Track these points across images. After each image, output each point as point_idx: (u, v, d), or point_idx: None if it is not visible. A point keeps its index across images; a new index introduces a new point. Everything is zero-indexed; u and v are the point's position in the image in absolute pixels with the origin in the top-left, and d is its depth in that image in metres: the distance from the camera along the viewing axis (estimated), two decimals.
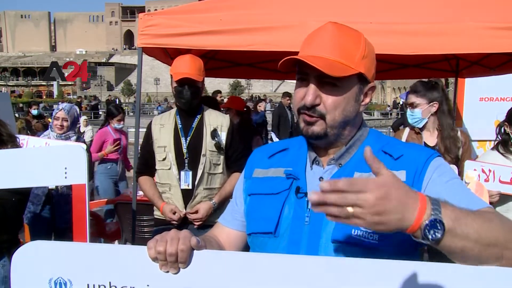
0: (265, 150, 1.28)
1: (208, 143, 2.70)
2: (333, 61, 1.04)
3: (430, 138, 2.91)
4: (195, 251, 0.98)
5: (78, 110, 4.08)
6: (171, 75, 2.74)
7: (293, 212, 1.10)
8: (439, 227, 0.82)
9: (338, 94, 1.06)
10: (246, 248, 1.26)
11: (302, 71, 1.09)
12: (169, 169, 2.72)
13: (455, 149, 2.83)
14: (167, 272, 0.97)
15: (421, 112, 2.85)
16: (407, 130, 3.05)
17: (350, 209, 0.81)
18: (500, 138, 2.82)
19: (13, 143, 2.22)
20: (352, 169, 1.10)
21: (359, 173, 1.08)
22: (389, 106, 37.84)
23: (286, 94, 9.38)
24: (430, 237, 0.82)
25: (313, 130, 1.09)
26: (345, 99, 1.07)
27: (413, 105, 2.87)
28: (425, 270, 0.88)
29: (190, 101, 2.69)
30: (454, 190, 1.04)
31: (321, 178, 1.12)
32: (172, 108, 3.05)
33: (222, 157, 2.75)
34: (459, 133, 2.90)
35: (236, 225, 1.26)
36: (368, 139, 1.16)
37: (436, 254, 0.92)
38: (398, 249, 1.01)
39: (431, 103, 2.83)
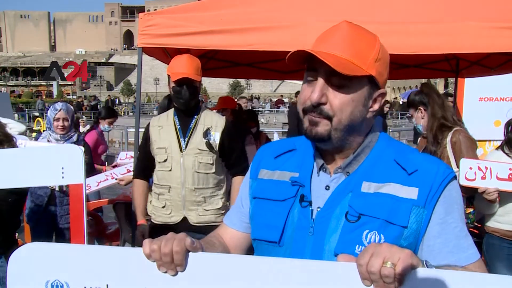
0: (271, 148, 1.23)
1: (199, 142, 2.69)
2: (344, 60, 1.00)
3: None
4: (191, 254, 0.96)
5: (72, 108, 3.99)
6: (168, 75, 2.73)
7: (297, 221, 1.08)
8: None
9: (346, 95, 1.02)
10: (251, 249, 1.25)
11: (311, 67, 1.04)
12: (170, 170, 2.71)
13: (433, 149, 2.86)
14: (165, 272, 0.96)
15: (414, 121, 3.06)
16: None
17: (387, 264, 0.81)
18: (505, 138, 2.79)
19: (10, 143, 2.22)
20: (360, 178, 1.06)
21: (368, 182, 1.05)
22: (389, 103, 37.79)
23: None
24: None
25: (316, 131, 1.04)
26: (353, 101, 1.03)
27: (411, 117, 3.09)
28: (424, 276, 0.86)
29: (189, 101, 2.69)
30: (450, 237, 1.03)
31: (327, 187, 1.08)
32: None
33: (215, 156, 2.73)
34: (450, 133, 2.84)
35: (241, 227, 1.24)
36: (378, 146, 1.10)
37: None
38: None
39: (417, 110, 3.00)
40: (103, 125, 5.23)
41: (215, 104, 5.61)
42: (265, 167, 1.20)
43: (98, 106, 29.46)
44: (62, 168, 1.83)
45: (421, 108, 2.96)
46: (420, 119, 2.98)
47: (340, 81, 1.01)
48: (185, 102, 2.68)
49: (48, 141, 3.56)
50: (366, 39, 1.04)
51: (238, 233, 1.25)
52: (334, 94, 1.02)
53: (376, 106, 1.08)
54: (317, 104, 1.02)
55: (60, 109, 3.58)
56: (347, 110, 1.02)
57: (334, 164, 1.11)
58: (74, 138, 3.65)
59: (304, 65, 1.08)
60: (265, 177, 1.18)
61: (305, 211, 1.07)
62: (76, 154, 1.85)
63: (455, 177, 1.08)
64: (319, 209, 1.06)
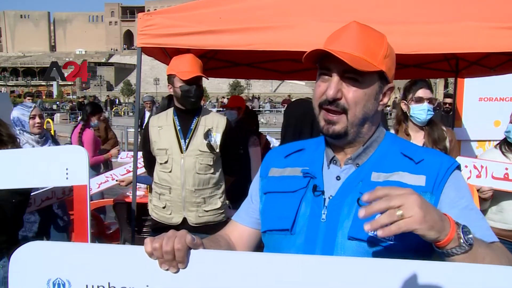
0: (281, 150, 1.29)
1: (200, 144, 2.70)
2: (357, 57, 1.06)
3: (417, 139, 2.77)
4: (192, 251, 0.98)
5: None
6: (171, 75, 2.73)
7: (310, 209, 1.11)
8: (468, 232, 0.91)
9: (360, 89, 1.08)
10: (258, 247, 1.26)
11: (324, 66, 1.10)
12: (170, 171, 2.71)
13: (443, 141, 2.77)
14: (167, 270, 0.97)
15: (432, 107, 2.79)
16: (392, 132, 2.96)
17: (398, 212, 0.85)
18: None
19: (13, 143, 2.21)
20: (370, 169, 1.11)
21: (377, 173, 1.10)
22: (388, 106, 37.91)
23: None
24: (468, 240, 0.90)
25: (334, 129, 1.10)
26: (366, 95, 1.09)
27: (431, 100, 2.76)
28: (432, 269, 0.88)
29: (198, 100, 2.72)
30: (470, 219, 1.04)
31: (338, 177, 1.13)
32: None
33: (215, 157, 2.74)
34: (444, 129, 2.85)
35: (251, 223, 1.27)
36: (385, 141, 1.17)
37: None
38: (415, 251, 1.02)
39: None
40: (93, 121, 5.20)
41: (215, 104, 5.59)
42: (275, 165, 1.25)
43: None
44: (67, 169, 1.82)
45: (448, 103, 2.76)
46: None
47: (354, 77, 1.08)
48: (195, 102, 2.71)
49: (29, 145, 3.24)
50: (375, 37, 1.11)
51: (248, 229, 1.27)
52: (348, 89, 1.09)
53: (386, 100, 1.16)
54: (333, 100, 1.08)
55: (35, 106, 3.37)
56: (361, 103, 1.09)
57: (344, 156, 1.16)
58: (49, 137, 3.45)
59: (314, 63, 1.13)
60: (276, 174, 1.23)
61: (318, 200, 1.11)
62: (80, 155, 1.84)
63: (459, 167, 1.13)
64: (331, 197, 1.10)
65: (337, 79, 1.08)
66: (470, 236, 0.91)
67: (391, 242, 1.02)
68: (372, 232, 1.01)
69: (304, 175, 1.16)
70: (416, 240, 1.01)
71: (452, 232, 0.89)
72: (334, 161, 1.16)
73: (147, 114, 9.17)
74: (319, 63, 1.12)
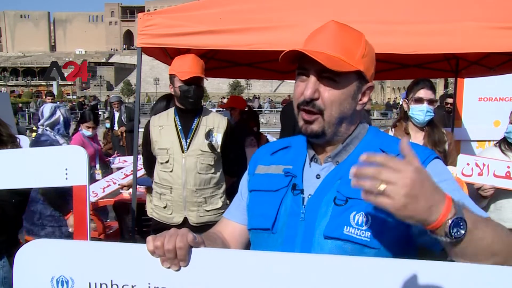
0: (268, 147, 1.30)
1: (201, 144, 2.70)
2: (333, 57, 1.06)
3: (417, 139, 2.75)
4: (194, 249, 0.99)
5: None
6: (172, 75, 2.73)
7: (289, 209, 1.12)
8: (461, 226, 0.85)
9: (336, 89, 1.08)
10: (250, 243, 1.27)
11: (302, 66, 1.11)
12: (171, 171, 2.71)
13: (443, 144, 2.76)
14: (168, 268, 0.98)
15: (433, 109, 2.76)
16: (391, 132, 2.92)
17: (382, 186, 0.82)
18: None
19: (13, 143, 2.21)
20: (349, 166, 1.09)
21: None
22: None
23: None
24: (453, 234, 0.84)
25: (312, 129, 1.11)
26: (343, 94, 1.09)
27: (431, 102, 2.73)
28: (428, 268, 0.88)
29: (197, 100, 2.72)
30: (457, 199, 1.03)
31: (318, 176, 1.14)
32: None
33: (216, 157, 2.74)
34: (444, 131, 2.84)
35: (243, 220, 1.28)
36: (367, 137, 1.17)
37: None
38: (391, 248, 1.02)
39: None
40: (82, 128, 4.88)
41: (215, 104, 5.61)
42: (262, 163, 1.26)
43: (98, 106, 29.45)
44: (66, 169, 1.82)
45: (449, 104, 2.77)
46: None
47: (331, 77, 1.08)
48: (194, 102, 2.71)
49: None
50: (353, 36, 1.11)
51: (239, 226, 1.28)
52: (325, 89, 1.09)
53: (365, 99, 1.15)
54: (310, 100, 1.08)
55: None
56: (337, 103, 1.09)
57: (324, 154, 1.16)
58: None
59: (295, 64, 1.13)
60: (262, 172, 1.24)
61: (297, 199, 1.12)
62: (80, 155, 1.84)
63: (438, 157, 1.11)
64: (310, 196, 1.11)
65: (314, 80, 1.08)
66: (462, 231, 0.85)
67: (367, 240, 1.02)
68: (347, 230, 1.03)
69: (286, 174, 1.17)
70: (393, 239, 1.02)
71: (438, 223, 0.84)
72: (315, 159, 1.17)
73: (116, 114, 9.16)
74: (298, 63, 1.12)
